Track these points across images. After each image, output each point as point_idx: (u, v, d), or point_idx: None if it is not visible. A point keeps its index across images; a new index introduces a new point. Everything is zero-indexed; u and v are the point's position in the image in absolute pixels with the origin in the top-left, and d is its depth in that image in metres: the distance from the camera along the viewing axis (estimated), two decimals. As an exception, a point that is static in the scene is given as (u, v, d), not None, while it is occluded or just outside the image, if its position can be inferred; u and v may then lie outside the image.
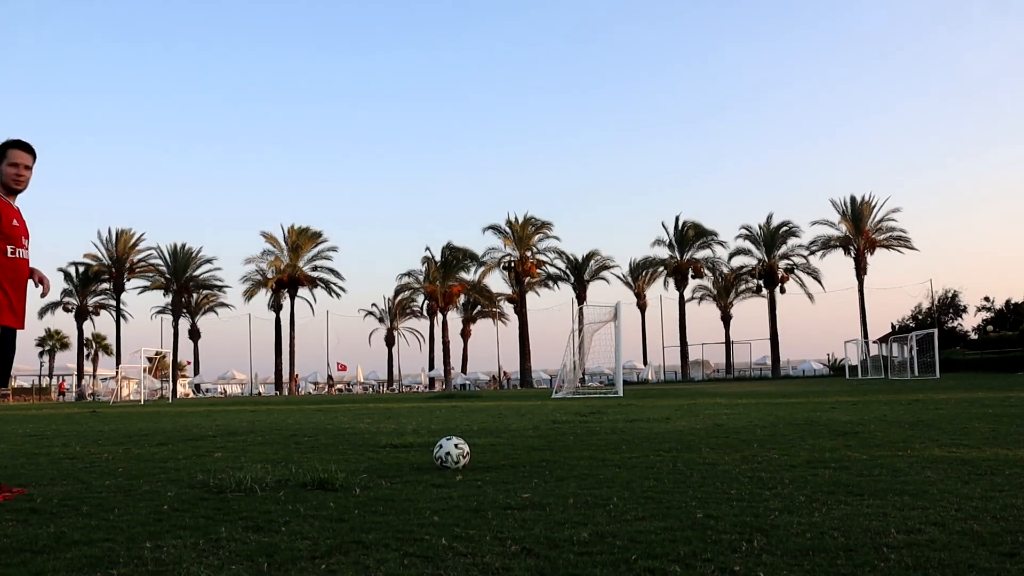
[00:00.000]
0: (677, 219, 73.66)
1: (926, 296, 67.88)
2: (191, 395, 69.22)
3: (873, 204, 69.01)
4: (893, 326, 66.32)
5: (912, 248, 68.80)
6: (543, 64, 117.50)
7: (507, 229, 73.03)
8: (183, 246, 77.27)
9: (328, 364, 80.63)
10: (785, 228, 71.04)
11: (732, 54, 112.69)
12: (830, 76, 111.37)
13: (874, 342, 62.66)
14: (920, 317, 65.67)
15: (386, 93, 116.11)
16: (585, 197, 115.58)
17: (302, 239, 74.88)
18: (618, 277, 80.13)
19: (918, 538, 3.60)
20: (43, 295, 6.07)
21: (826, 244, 69.58)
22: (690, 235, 72.76)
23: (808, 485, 5.16)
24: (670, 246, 73.61)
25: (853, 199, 69.26)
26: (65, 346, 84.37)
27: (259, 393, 74.28)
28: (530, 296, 74.40)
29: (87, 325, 77.74)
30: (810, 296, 70.61)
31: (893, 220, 68.83)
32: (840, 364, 62.67)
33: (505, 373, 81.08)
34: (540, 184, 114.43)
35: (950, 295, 67.24)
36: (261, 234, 75.34)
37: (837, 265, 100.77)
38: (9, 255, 5.60)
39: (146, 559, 3.55)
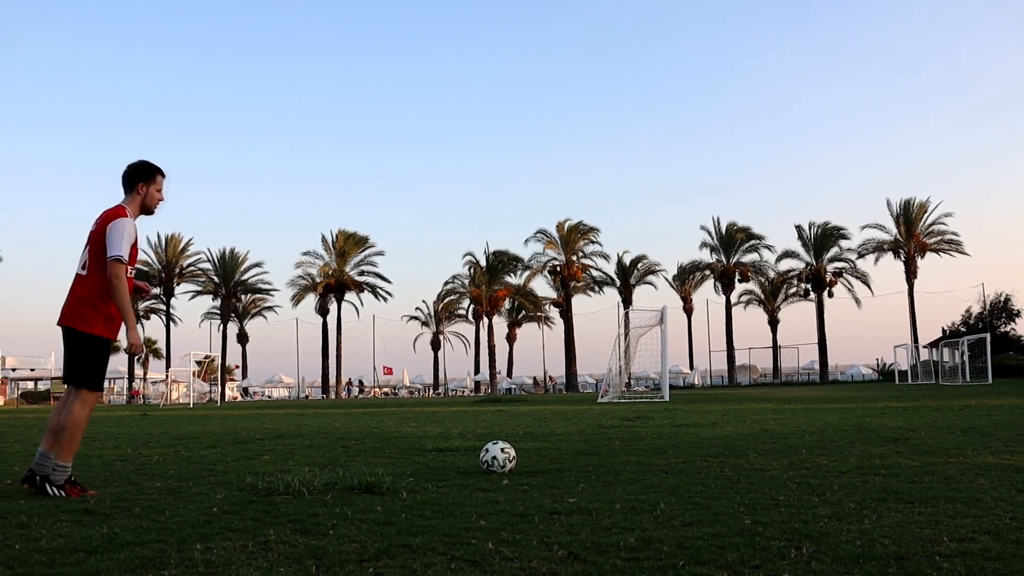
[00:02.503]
0: (718, 221, 73.29)
1: (977, 300, 66.74)
2: (239, 398, 70.05)
3: (926, 207, 68.05)
4: (944, 331, 65.32)
5: (963, 253, 67.79)
6: (591, 67, 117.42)
7: (554, 234, 73.10)
8: (231, 251, 78.16)
9: (374, 368, 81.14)
10: (834, 231, 70.24)
11: (778, 57, 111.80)
12: (878, 79, 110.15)
13: (924, 347, 61.77)
14: (971, 322, 64.58)
15: (431, 97, 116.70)
16: (631, 200, 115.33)
17: (349, 244, 75.47)
18: (666, 280, 79.90)
19: (971, 547, 3.55)
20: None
21: (877, 248, 68.59)
22: (737, 239, 72.28)
23: (858, 492, 5.10)
24: (716, 250, 73.22)
25: (907, 203, 68.26)
26: (116, 350, 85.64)
27: (306, 396, 74.86)
28: (576, 300, 74.36)
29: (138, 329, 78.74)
30: (858, 301, 69.75)
31: (944, 224, 67.92)
32: (889, 369, 61.81)
33: (551, 377, 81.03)
34: (587, 187, 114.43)
35: (1002, 299, 66.09)
36: (322, 236, 76.04)
37: (886, 269, 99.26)
38: (129, 275, 5.92)
39: (196, 561, 3.60)
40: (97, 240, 5.80)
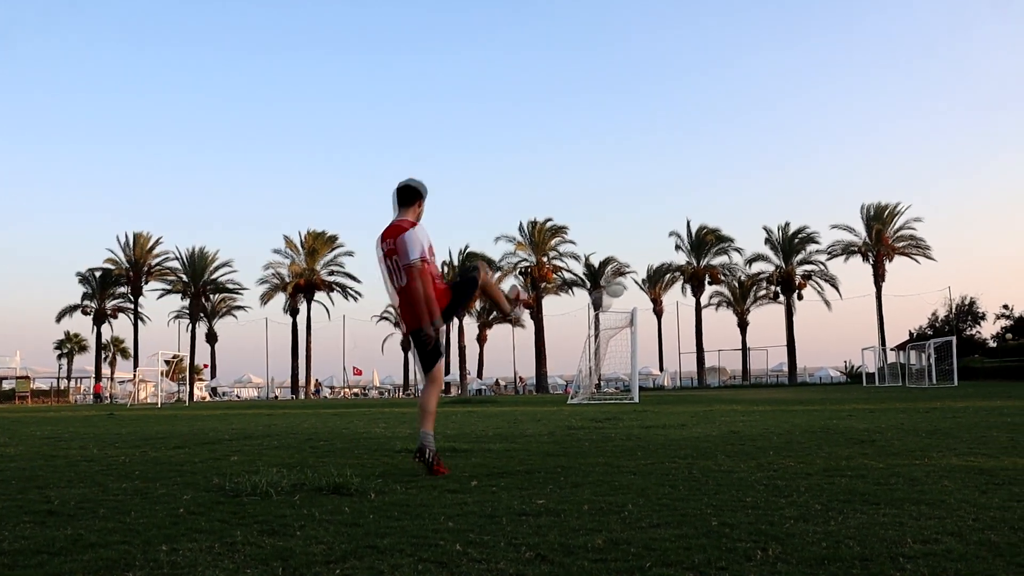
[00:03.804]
0: (688, 223, 73.78)
1: (944, 303, 67.62)
2: (207, 398, 69.59)
3: (896, 211, 68.56)
4: (911, 333, 66.07)
5: (930, 258, 68.35)
6: (558, 68, 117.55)
7: (526, 234, 73.11)
8: (200, 249, 77.69)
9: (344, 368, 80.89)
10: (803, 234, 70.72)
11: (750, 59, 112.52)
12: (847, 82, 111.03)
13: (892, 349, 62.36)
14: (938, 325, 65.38)
15: (401, 96, 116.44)
16: (602, 201, 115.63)
17: (318, 243, 75.23)
18: (636, 282, 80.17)
19: (935, 548, 3.59)
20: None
21: (846, 250, 69.12)
22: (707, 241, 72.62)
23: (824, 493, 5.14)
24: (688, 252, 73.61)
25: (879, 207, 68.61)
26: (83, 349, 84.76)
27: (275, 397, 74.52)
28: (546, 301, 74.46)
29: (105, 328, 78.24)
30: (827, 303, 70.28)
31: (913, 228, 68.49)
32: (857, 371, 62.34)
33: (521, 378, 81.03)
34: (556, 188, 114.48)
35: (968, 302, 66.90)
36: (284, 237, 75.61)
37: (855, 272, 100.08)
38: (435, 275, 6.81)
39: (162, 562, 3.57)
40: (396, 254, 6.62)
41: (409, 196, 6.85)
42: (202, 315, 78.85)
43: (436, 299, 6.62)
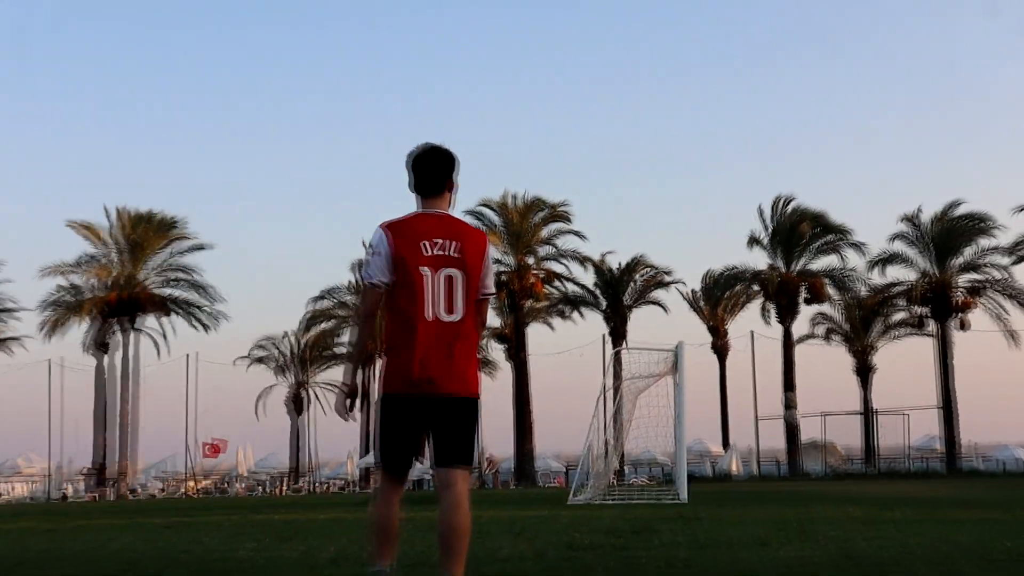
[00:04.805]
0: (777, 204, 73.09)
1: None
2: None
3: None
4: None
5: None
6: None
7: (491, 221, 72.21)
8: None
9: (188, 445, 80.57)
10: (970, 222, 69.73)
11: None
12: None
13: None
14: None
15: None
16: (624, 171, 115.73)
17: (146, 232, 74.34)
18: (684, 298, 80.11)
19: None
20: None
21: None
22: (804, 232, 71.93)
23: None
24: (770, 249, 72.97)
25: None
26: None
27: (64, 495, 74.15)
28: (533, 330, 74.47)
29: None
30: (1012, 335, 70.13)
31: None
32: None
33: (490, 460, 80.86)
34: (547, 155, 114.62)
35: None
36: (68, 225, 74.37)
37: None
38: None
39: None
40: (472, 272, 6.71)
41: (445, 171, 6.89)
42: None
43: None
